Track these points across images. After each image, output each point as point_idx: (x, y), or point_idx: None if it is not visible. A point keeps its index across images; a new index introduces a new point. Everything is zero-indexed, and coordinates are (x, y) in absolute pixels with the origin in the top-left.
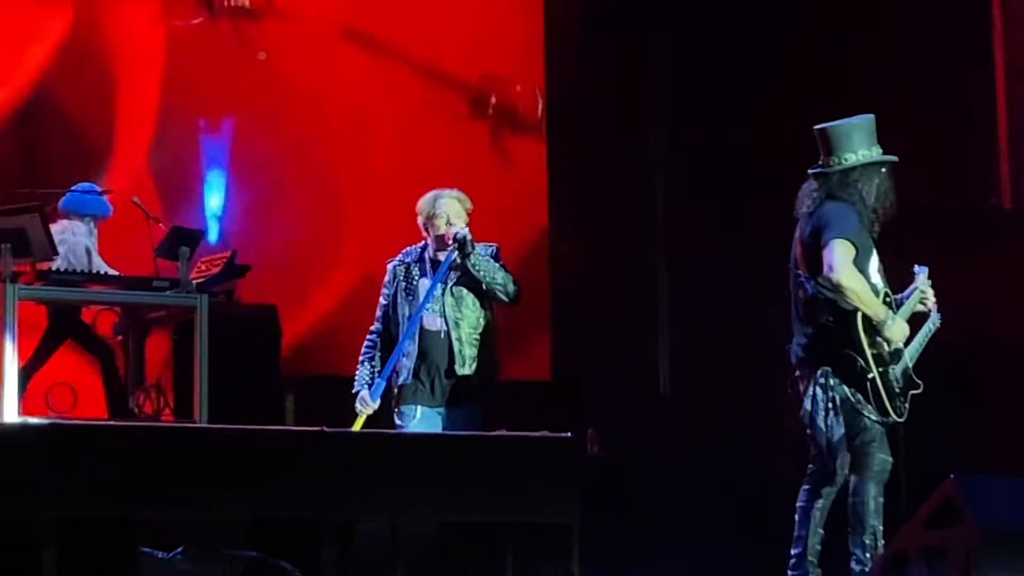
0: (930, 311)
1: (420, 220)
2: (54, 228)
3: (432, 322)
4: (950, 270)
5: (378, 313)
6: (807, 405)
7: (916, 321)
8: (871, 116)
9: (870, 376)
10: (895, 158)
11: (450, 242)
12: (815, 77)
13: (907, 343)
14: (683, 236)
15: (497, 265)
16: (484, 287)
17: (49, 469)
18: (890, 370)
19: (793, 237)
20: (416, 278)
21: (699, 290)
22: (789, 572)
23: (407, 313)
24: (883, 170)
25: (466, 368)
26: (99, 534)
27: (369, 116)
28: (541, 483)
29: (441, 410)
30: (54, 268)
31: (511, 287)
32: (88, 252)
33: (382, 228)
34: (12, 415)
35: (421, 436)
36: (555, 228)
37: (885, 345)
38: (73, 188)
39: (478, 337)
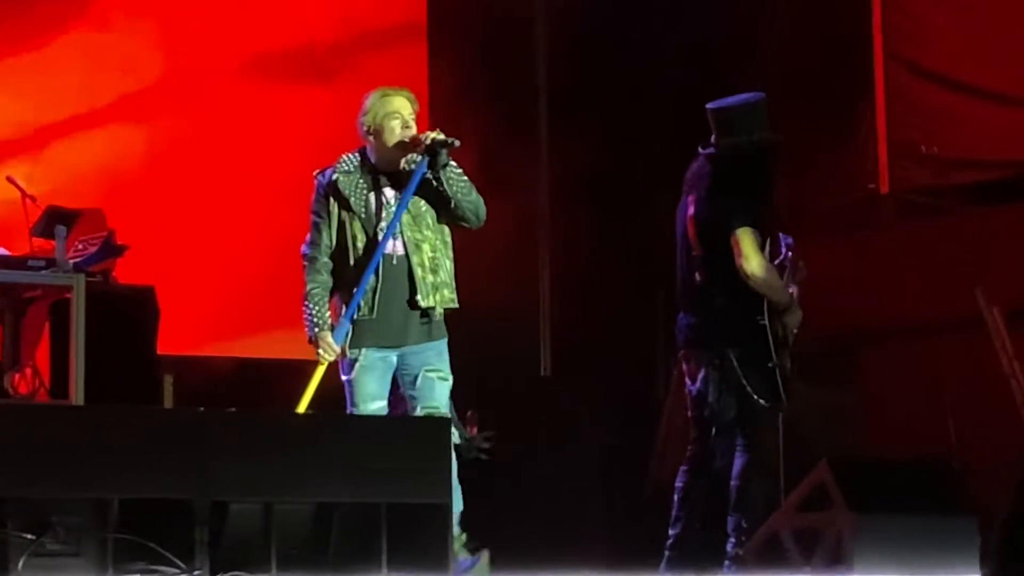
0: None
1: (365, 122)
2: None
3: (387, 245)
4: (829, 255)
5: (312, 236)
6: (700, 386)
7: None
8: (763, 95)
9: (770, 364)
10: (782, 138)
11: (420, 149)
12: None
13: None
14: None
15: (470, 181)
16: (452, 206)
17: None
18: (784, 356)
19: (682, 216)
20: (363, 191)
21: (581, 273)
22: (667, 552)
23: (356, 233)
24: (775, 151)
25: (429, 299)
26: None
27: (250, 97)
28: (415, 463)
29: (397, 351)
30: None
31: (482, 208)
32: None
33: (265, 210)
34: None
35: (295, 416)
36: None
37: (780, 330)
38: None
39: (439, 262)
